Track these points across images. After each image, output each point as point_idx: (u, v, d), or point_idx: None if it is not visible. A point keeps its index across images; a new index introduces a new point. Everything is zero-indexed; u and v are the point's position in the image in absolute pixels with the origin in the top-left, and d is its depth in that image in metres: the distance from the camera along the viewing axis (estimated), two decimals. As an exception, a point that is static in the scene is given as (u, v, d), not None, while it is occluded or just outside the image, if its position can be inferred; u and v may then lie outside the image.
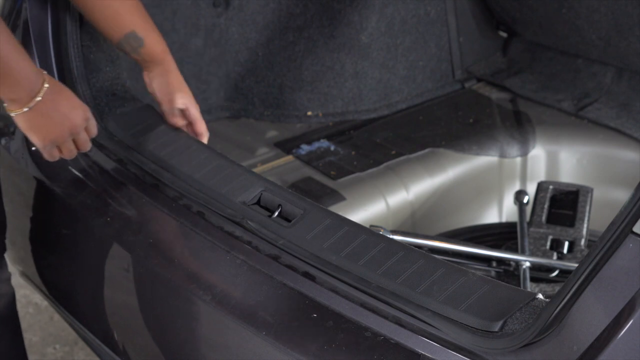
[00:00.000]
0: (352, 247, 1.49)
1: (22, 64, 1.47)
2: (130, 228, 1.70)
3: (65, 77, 1.88)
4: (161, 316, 1.63)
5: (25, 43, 1.89)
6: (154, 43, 1.76)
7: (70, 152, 1.63)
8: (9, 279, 1.88)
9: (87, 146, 1.64)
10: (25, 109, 1.50)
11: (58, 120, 1.54)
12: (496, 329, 1.32)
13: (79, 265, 1.84)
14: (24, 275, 2.04)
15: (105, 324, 1.82)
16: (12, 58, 1.45)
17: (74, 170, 1.85)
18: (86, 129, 1.62)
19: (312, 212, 1.58)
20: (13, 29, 1.93)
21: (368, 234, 1.52)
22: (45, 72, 1.53)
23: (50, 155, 1.62)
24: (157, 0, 2.27)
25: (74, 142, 1.62)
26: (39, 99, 1.50)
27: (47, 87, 1.50)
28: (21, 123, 1.53)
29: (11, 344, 1.93)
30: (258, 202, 1.63)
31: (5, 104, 1.52)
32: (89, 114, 1.61)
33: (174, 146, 1.76)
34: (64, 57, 1.89)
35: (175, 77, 1.80)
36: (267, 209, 1.62)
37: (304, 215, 1.57)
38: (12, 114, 1.52)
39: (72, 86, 1.88)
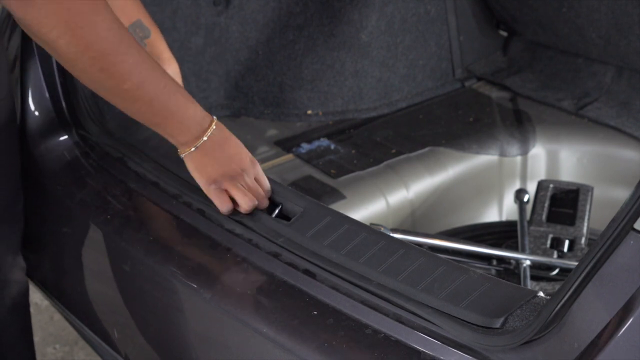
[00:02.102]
0: (352, 245, 1.49)
1: (191, 110, 1.49)
2: (130, 226, 1.70)
3: (65, 73, 1.88)
4: (161, 314, 1.63)
5: (26, 40, 1.89)
6: (159, 39, 1.78)
7: (241, 196, 1.55)
8: (24, 268, 1.91)
9: (258, 190, 1.57)
10: (193, 149, 1.52)
11: (223, 160, 1.53)
12: (497, 326, 1.31)
13: (79, 264, 1.84)
14: (25, 273, 2.04)
15: (105, 322, 1.82)
16: (181, 105, 1.47)
17: (74, 168, 1.85)
18: (256, 179, 1.57)
19: (312, 210, 1.58)
20: (12, 27, 1.93)
21: (368, 231, 1.52)
22: (214, 117, 1.54)
23: (219, 199, 1.56)
24: (158, -1, 2.27)
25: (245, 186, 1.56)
26: (205, 139, 1.50)
27: (215, 129, 1.52)
28: (188, 164, 1.54)
29: (21, 333, 1.96)
30: None
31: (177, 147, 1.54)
32: (256, 162, 1.58)
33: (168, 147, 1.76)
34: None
35: (180, 81, 1.81)
36: (267, 207, 1.62)
37: (304, 213, 1.57)
38: (182, 156, 1.54)
39: (71, 83, 1.88)
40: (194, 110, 1.50)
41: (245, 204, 1.55)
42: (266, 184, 1.59)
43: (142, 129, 1.78)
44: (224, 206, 1.56)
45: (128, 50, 1.38)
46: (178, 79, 1.82)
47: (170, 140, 1.53)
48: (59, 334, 2.80)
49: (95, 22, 1.34)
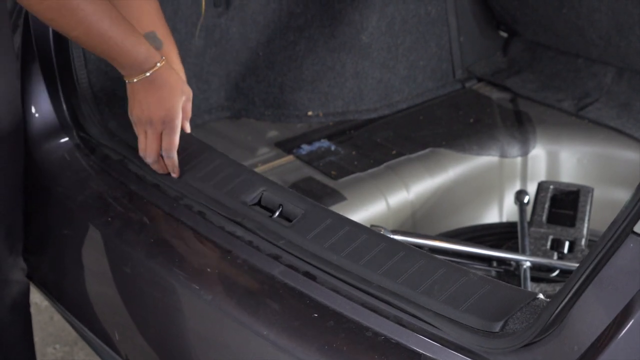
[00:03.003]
0: (352, 247, 1.49)
1: (142, 48, 1.63)
2: (131, 228, 1.71)
3: (66, 76, 1.88)
4: (162, 316, 1.63)
5: (26, 42, 1.89)
6: (171, 51, 1.79)
7: (142, 143, 1.70)
8: (24, 269, 1.92)
9: (172, 146, 1.70)
10: (135, 80, 1.65)
11: (154, 101, 1.66)
12: (497, 329, 1.32)
13: (80, 265, 1.84)
14: (26, 276, 2.05)
15: (106, 324, 1.83)
16: (132, 43, 1.61)
17: (75, 170, 1.85)
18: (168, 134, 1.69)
19: (312, 212, 1.58)
20: (13, 28, 1.93)
21: (369, 233, 1.52)
22: (163, 58, 1.66)
23: (142, 142, 1.71)
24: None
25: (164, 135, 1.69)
26: (147, 75, 1.64)
27: (159, 68, 1.64)
28: (128, 91, 1.68)
29: (21, 334, 1.97)
30: (259, 202, 1.63)
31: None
32: (178, 116, 1.68)
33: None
34: (65, 56, 1.89)
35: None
36: (267, 209, 1.62)
37: (305, 215, 1.57)
38: (125, 81, 1.67)
39: (72, 85, 1.88)
40: (145, 49, 1.63)
41: (142, 151, 1.72)
42: (171, 143, 1.70)
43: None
44: (143, 152, 1.72)
45: (84, 3, 1.52)
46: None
47: (118, 69, 1.65)
48: (59, 334, 2.81)
49: None
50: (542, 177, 2.42)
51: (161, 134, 1.69)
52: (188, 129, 1.73)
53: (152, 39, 1.75)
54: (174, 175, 1.72)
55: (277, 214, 1.60)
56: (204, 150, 1.76)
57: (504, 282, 1.42)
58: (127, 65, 1.63)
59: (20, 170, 1.83)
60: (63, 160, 1.85)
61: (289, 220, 1.58)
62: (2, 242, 1.84)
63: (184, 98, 1.68)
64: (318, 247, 1.51)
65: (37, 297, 2.76)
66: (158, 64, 1.64)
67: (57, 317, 2.83)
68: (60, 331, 2.81)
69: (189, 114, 1.71)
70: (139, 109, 1.67)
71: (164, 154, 1.70)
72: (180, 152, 1.72)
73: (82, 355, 2.73)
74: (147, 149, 1.71)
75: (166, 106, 1.66)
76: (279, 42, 2.46)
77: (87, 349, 2.72)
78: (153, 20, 1.78)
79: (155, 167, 1.73)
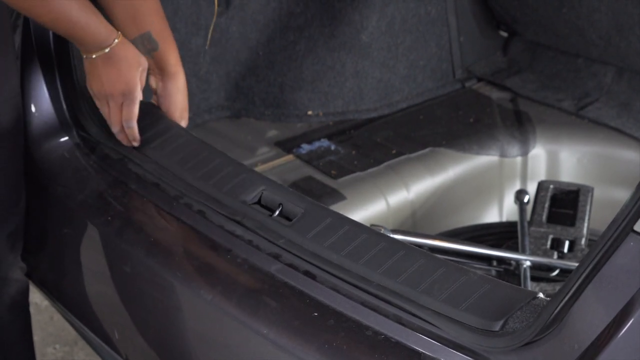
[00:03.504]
0: (352, 246, 1.49)
1: (102, 27, 1.68)
2: (131, 227, 1.70)
3: (66, 75, 1.88)
4: (162, 315, 1.63)
5: (26, 41, 1.89)
6: (168, 50, 1.79)
7: (106, 116, 1.77)
8: (24, 268, 1.93)
9: (132, 116, 1.75)
10: (93, 56, 1.70)
11: (112, 77, 1.71)
12: (497, 328, 1.32)
13: (80, 265, 1.84)
14: (26, 275, 2.05)
15: (106, 324, 1.83)
16: (92, 22, 1.66)
17: (74, 169, 1.85)
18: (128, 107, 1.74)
19: (312, 211, 1.58)
20: (14, 28, 1.93)
21: (369, 233, 1.52)
22: (119, 33, 1.70)
23: (106, 114, 1.77)
24: (158, -1, 2.27)
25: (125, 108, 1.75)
26: (106, 51, 1.69)
27: (117, 44, 1.69)
28: (86, 67, 1.73)
29: (21, 333, 1.97)
30: (259, 202, 1.63)
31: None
32: (136, 93, 1.73)
33: (175, 144, 1.76)
34: (65, 56, 1.89)
35: (185, 95, 1.85)
36: (267, 208, 1.62)
37: (305, 214, 1.57)
38: (83, 56, 1.72)
39: (72, 84, 1.88)
40: (105, 28, 1.68)
41: (108, 120, 1.78)
42: (131, 113, 1.76)
43: (142, 128, 1.78)
44: (106, 116, 1.78)
45: None
46: (180, 95, 1.82)
47: (77, 46, 1.71)
48: (59, 334, 2.81)
49: None
50: (542, 177, 2.42)
51: (122, 104, 1.74)
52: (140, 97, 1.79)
53: (147, 39, 1.75)
54: (135, 144, 1.78)
55: (277, 213, 1.60)
56: (204, 149, 1.76)
57: (503, 282, 1.42)
58: (88, 44, 1.68)
59: (21, 169, 1.83)
60: (63, 159, 1.85)
61: (289, 220, 1.58)
62: (3, 241, 1.84)
63: (140, 69, 1.72)
64: (318, 246, 1.51)
65: (37, 297, 2.76)
66: (116, 40, 1.69)
67: (57, 317, 2.83)
68: (60, 331, 2.81)
69: (144, 83, 1.76)
70: (98, 83, 1.72)
71: (124, 123, 1.76)
72: (181, 149, 1.72)
73: (82, 355, 2.73)
74: (111, 120, 1.76)
75: (124, 80, 1.71)
76: (279, 41, 2.46)
77: (87, 348, 2.72)
78: (151, 19, 1.78)
79: (120, 137, 1.79)
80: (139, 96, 1.74)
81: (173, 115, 1.82)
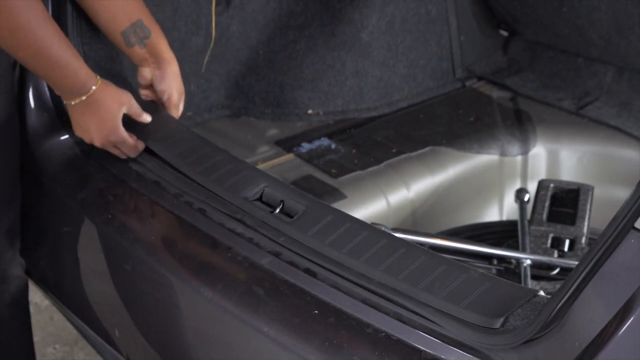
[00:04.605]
0: (353, 243, 1.49)
1: (81, 73, 1.65)
2: (131, 225, 1.70)
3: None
4: (162, 313, 1.63)
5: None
6: (159, 38, 1.80)
7: (120, 153, 1.77)
8: (23, 265, 1.93)
9: (130, 152, 1.77)
10: (73, 103, 1.69)
11: (97, 122, 1.71)
12: (497, 326, 1.31)
13: (80, 263, 1.84)
14: (26, 273, 2.05)
15: (106, 322, 1.82)
16: (67, 64, 1.63)
17: (75, 167, 1.85)
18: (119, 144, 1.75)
19: (314, 208, 1.58)
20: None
21: (370, 230, 1.52)
22: (98, 78, 1.68)
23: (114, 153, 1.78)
24: (158, -2, 2.27)
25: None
26: (83, 98, 1.67)
27: (95, 91, 1.67)
28: (71, 114, 1.73)
29: (20, 330, 1.98)
30: (260, 198, 1.63)
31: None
32: (118, 132, 1.73)
33: (176, 141, 1.76)
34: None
35: (180, 78, 1.86)
36: (269, 205, 1.62)
37: (306, 211, 1.57)
38: (64, 103, 1.71)
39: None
40: (84, 74, 1.66)
41: (127, 154, 1.78)
42: (128, 151, 1.77)
43: (145, 127, 1.79)
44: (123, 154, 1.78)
45: (37, 27, 1.55)
46: (178, 79, 1.84)
47: (56, 91, 1.70)
48: (59, 334, 2.81)
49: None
50: (542, 176, 2.42)
51: (114, 145, 1.75)
52: (148, 119, 1.79)
53: (139, 27, 1.76)
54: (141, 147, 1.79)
55: (278, 210, 1.60)
56: (205, 147, 1.76)
57: (504, 279, 1.42)
58: (66, 89, 1.67)
59: (17, 166, 1.83)
60: (63, 157, 1.85)
61: (290, 217, 1.58)
62: (2, 236, 1.84)
63: (123, 109, 1.72)
64: (319, 243, 1.51)
65: (37, 297, 2.77)
66: (93, 87, 1.67)
67: (57, 317, 2.83)
68: (60, 331, 2.81)
69: (137, 111, 1.76)
70: (80, 130, 1.73)
71: (128, 155, 1.78)
72: (183, 146, 1.74)
73: (82, 355, 2.73)
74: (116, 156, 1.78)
75: (106, 125, 1.71)
76: (279, 40, 2.46)
77: (87, 348, 2.72)
78: (139, 9, 1.79)
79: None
80: (125, 136, 1.73)
81: (173, 99, 1.83)
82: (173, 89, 1.83)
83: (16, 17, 1.52)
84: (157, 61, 1.81)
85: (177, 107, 1.85)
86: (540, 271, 1.97)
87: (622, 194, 2.29)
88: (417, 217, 2.27)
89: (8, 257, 1.88)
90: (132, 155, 1.77)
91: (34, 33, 1.55)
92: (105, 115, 1.69)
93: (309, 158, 2.33)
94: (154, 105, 1.83)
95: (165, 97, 1.83)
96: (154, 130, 1.77)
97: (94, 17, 1.81)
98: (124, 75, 1.93)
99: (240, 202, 1.61)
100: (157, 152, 1.75)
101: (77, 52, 1.64)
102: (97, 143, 1.73)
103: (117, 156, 1.78)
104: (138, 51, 1.80)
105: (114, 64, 1.93)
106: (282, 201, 1.60)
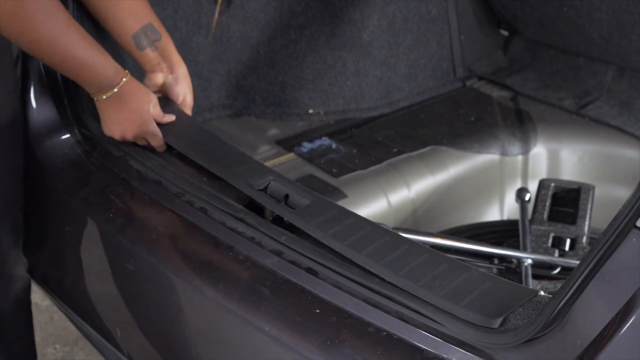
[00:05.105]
0: (356, 237, 1.49)
1: (109, 67, 1.68)
2: (133, 224, 1.71)
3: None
4: (164, 312, 1.63)
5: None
6: (168, 41, 1.84)
7: (148, 144, 1.80)
8: (25, 264, 1.94)
9: (159, 146, 1.80)
10: (104, 97, 1.71)
11: (127, 115, 1.73)
12: (496, 325, 1.32)
13: (82, 262, 1.84)
14: (27, 272, 2.05)
15: (108, 321, 1.83)
16: (95, 62, 1.65)
17: (76, 166, 1.85)
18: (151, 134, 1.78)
19: (318, 203, 1.58)
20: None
21: (373, 227, 1.52)
22: (127, 72, 1.71)
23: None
24: (159, -2, 2.28)
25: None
26: (115, 90, 1.70)
27: (125, 83, 1.70)
28: (100, 110, 1.75)
29: (23, 330, 1.98)
30: (265, 190, 1.64)
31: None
32: (150, 122, 1.76)
33: (180, 130, 1.78)
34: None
35: (189, 79, 1.90)
36: (274, 198, 1.62)
37: (311, 205, 1.58)
38: (95, 99, 1.73)
39: (74, 84, 1.88)
40: (113, 67, 1.69)
41: (155, 147, 1.80)
42: (157, 144, 1.80)
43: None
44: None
45: (61, 36, 1.58)
46: (188, 79, 1.87)
47: (86, 88, 1.71)
48: (59, 334, 2.81)
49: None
50: (543, 175, 2.42)
51: (145, 139, 1.78)
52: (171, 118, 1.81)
53: (150, 30, 1.77)
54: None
55: (282, 203, 1.60)
56: (214, 141, 1.78)
57: (505, 279, 1.42)
58: (97, 84, 1.69)
59: (20, 164, 1.84)
60: (64, 157, 1.85)
61: (294, 209, 1.59)
62: (7, 236, 1.85)
63: (151, 104, 1.75)
64: (321, 233, 1.51)
65: (37, 297, 2.77)
66: (124, 79, 1.69)
67: (57, 317, 2.83)
68: (60, 331, 2.81)
69: (159, 113, 1.78)
70: (111, 125, 1.75)
71: (157, 150, 1.80)
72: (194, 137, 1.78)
73: (82, 355, 2.73)
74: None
75: (140, 118, 1.74)
76: (280, 40, 2.46)
77: (87, 348, 2.72)
78: (148, 12, 1.81)
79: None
80: (156, 129, 1.76)
81: (188, 100, 1.88)
82: (187, 91, 1.87)
83: (38, 29, 1.55)
84: (170, 64, 1.84)
85: (191, 107, 1.89)
86: (541, 270, 1.97)
87: (623, 193, 2.30)
88: (418, 216, 2.27)
89: (12, 256, 1.88)
90: (161, 150, 1.80)
91: (59, 41, 1.58)
92: (137, 106, 1.72)
93: (310, 157, 2.33)
94: (169, 103, 1.85)
95: (180, 99, 1.86)
96: (172, 127, 1.80)
97: (103, 21, 1.83)
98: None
99: (246, 190, 1.62)
100: (157, 158, 1.78)
101: (103, 49, 1.67)
102: (130, 136, 1.75)
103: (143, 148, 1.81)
104: (149, 54, 1.82)
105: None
106: (286, 195, 1.61)
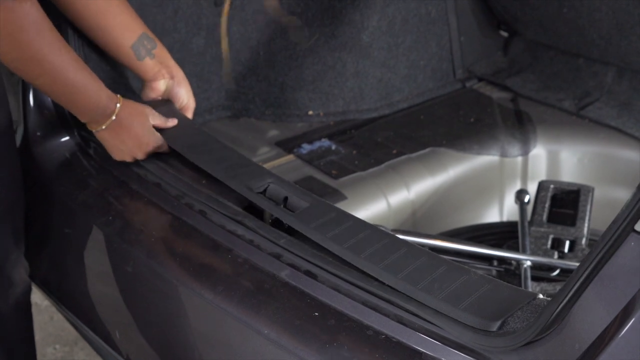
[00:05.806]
0: (355, 240, 1.49)
1: (103, 97, 1.66)
2: (132, 227, 1.71)
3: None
4: (163, 315, 1.63)
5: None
6: (162, 46, 1.86)
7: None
8: (27, 268, 1.94)
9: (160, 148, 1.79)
10: (103, 127, 1.70)
11: (131, 141, 1.72)
12: (495, 329, 1.32)
13: (81, 265, 1.84)
14: (28, 273, 2.05)
15: (107, 323, 1.83)
16: (87, 86, 1.63)
17: (75, 169, 1.85)
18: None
19: (317, 205, 1.58)
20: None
21: (372, 229, 1.52)
22: (119, 97, 1.70)
23: None
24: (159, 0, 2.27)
25: None
26: (113, 118, 1.69)
27: (120, 110, 1.68)
28: (102, 140, 1.74)
29: (25, 334, 1.99)
30: (264, 193, 1.64)
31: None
32: (149, 143, 1.76)
33: (180, 132, 1.78)
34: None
35: (186, 85, 1.91)
36: (272, 200, 1.62)
37: (310, 207, 1.58)
38: (93, 131, 1.72)
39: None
40: (105, 94, 1.67)
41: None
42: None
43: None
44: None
45: (49, 55, 1.56)
46: (187, 81, 1.87)
47: (81, 119, 1.70)
48: (59, 334, 2.81)
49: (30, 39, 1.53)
50: (543, 177, 2.42)
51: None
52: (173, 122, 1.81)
53: (146, 39, 1.78)
54: None
55: (281, 206, 1.60)
56: (213, 143, 1.78)
57: (504, 282, 1.42)
58: (92, 112, 1.67)
59: (18, 168, 1.84)
60: (64, 159, 1.85)
61: (293, 212, 1.59)
62: (7, 239, 1.85)
63: (150, 119, 1.74)
64: (320, 236, 1.51)
65: (37, 297, 2.76)
66: (118, 105, 1.68)
67: (57, 317, 2.83)
68: (60, 331, 2.81)
69: (161, 120, 1.78)
70: (120, 153, 1.75)
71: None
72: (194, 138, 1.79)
73: (82, 355, 2.73)
74: None
75: (145, 141, 1.74)
76: (280, 41, 2.46)
77: (87, 349, 2.72)
78: (139, 23, 1.82)
79: None
80: (161, 141, 1.76)
81: (190, 103, 1.89)
82: (188, 93, 1.88)
83: (26, 48, 1.53)
84: (168, 69, 1.85)
85: (193, 109, 1.91)
86: (541, 272, 1.97)
87: (623, 194, 2.30)
88: (418, 218, 2.27)
89: (13, 259, 1.88)
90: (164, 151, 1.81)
91: (48, 62, 1.56)
92: (139, 130, 1.72)
93: (310, 159, 2.33)
94: (168, 104, 1.86)
95: (183, 103, 1.87)
96: (172, 129, 1.80)
97: (100, 38, 1.83)
98: (132, 90, 1.94)
99: (244, 192, 1.62)
100: (157, 160, 1.78)
101: (94, 75, 1.65)
102: (141, 156, 1.76)
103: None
104: (149, 63, 1.83)
105: (116, 83, 1.94)
106: (285, 197, 1.61)
